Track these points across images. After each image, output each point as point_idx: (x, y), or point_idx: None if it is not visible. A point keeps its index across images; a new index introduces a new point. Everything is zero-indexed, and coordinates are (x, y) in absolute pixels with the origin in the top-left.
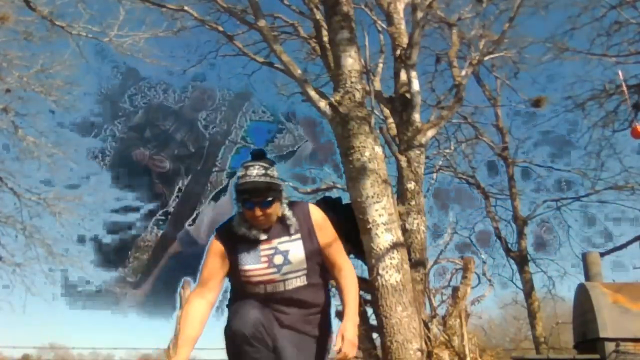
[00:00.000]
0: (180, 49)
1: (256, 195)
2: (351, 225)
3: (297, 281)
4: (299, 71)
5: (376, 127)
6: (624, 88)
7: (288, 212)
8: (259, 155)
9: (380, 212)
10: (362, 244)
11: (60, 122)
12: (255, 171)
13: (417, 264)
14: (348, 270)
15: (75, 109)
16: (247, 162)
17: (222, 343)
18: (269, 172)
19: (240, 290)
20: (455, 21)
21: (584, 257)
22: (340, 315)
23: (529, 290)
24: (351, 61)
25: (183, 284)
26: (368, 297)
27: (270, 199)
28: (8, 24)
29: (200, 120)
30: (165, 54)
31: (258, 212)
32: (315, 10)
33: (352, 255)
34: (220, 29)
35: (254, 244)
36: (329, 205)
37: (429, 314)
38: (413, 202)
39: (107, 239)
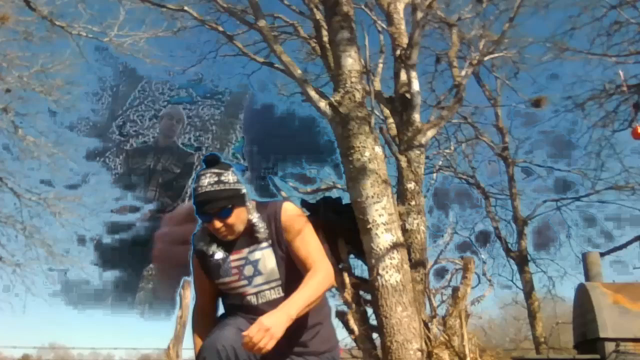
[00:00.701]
0: (181, 49)
1: (211, 207)
2: (351, 225)
3: (272, 293)
4: (299, 71)
5: (376, 127)
6: (624, 88)
7: (256, 217)
8: (211, 162)
9: (380, 212)
10: (362, 244)
11: (60, 122)
12: (207, 180)
13: (417, 264)
14: (319, 268)
15: (75, 109)
16: (200, 170)
17: None
18: (222, 178)
19: (227, 298)
20: (455, 21)
21: (584, 257)
22: (340, 315)
23: (529, 290)
24: (351, 61)
25: (183, 284)
26: (368, 297)
27: (228, 206)
28: (8, 24)
29: (178, 143)
30: (165, 54)
31: (218, 224)
32: (315, 10)
33: (352, 256)
34: (220, 29)
35: (223, 254)
36: (329, 205)
37: (429, 314)
38: (413, 202)
39: (107, 239)
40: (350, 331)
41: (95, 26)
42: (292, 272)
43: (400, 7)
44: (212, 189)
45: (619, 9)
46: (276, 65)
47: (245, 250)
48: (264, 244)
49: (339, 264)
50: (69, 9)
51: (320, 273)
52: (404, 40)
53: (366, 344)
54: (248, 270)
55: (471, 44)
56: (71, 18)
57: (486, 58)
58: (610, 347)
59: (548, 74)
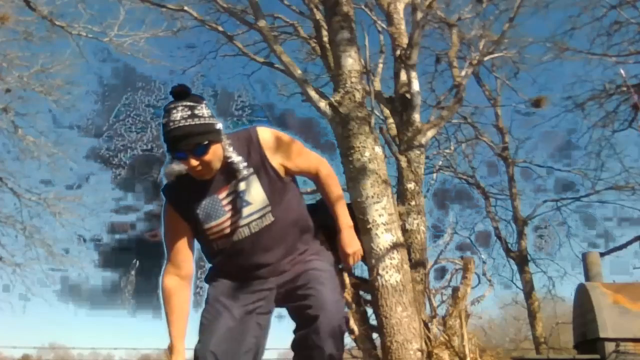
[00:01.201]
0: (181, 49)
1: (186, 143)
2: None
3: (263, 220)
4: (299, 71)
5: (376, 127)
6: (626, 87)
7: (233, 154)
8: (181, 94)
9: (380, 212)
10: (362, 244)
11: (60, 122)
12: (179, 113)
13: (417, 264)
14: (323, 169)
15: (75, 109)
16: (169, 104)
17: None
18: (196, 111)
19: (211, 252)
20: (455, 21)
21: (584, 257)
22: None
23: (529, 290)
24: (351, 61)
25: None
26: (368, 297)
27: (205, 143)
28: (8, 24)
29: None
30: (165, 54)
31: (193, 162)
32: (315, 10)
33: None
34: (220, 29)
35: (209, 196)
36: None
37: (429, 314)
38: (413, 202)
39: (107, 239)
40: (350, 331)
41: (95, 26)
42: (278, 194)
43: (400, 7)
44: (187, 123)
45: (619, 9)
46: (276, 65)
47: (229, 185)
48: (247, 173)
49: (339, 264)
50: (69, 9)
51: (329, 170)
52: (404, 40)
53: (366, 344)
54: (238, 203)
55: (471, 44)
56: (71, 18)
57: (486, 58)
58: (610, 347)
59: (548, 74)
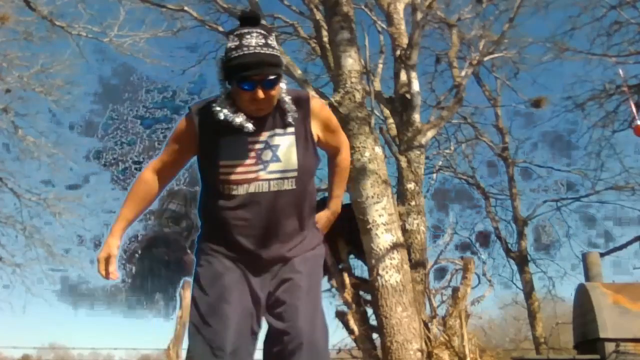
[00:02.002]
0: (181, 49)
1: (260, 72)
2: (351, 225)
3: (285, 184)
4: (300, 72)
5: (376, 127)
6: (625, 88)
7: (286, 97)
8: (254, 20)
9: (381, 212)
10: (362, 244)
11: (60, 122)
12: (254, 40)
13: (417, 264)
14: (345, 150)
15: (75, 109)
16: (239, 29)
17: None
18: (269, 41)
19: (215, 195)
20: (455, 21)
21: (584, 257)
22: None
23: (529, 290)
24: (351, 61)
25: (183, 284)
26: (368, 297)
27: (274, 77)
28: (8, 24)
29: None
30: (165, 54)
31: (260, 94)
32: (315, 10)
33: (352, 256)
34: (220, 29)
35: (239, 134)
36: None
37: (429, 315)
38: (413, 203)
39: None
40: (350, 331)
41: (95, 26)
42: (308, 164)
43: (400, 7)
44: (263, 51)
45: (619, 9)
46: None
47: (266, 134)
48: (289, 130)
49: (339, 264)
50: (69, 9)
51: (347, 159)
52: (404, 41)
53: (366, 344)
54: (266, 155)
55: (471, 44)
56: (71, 18)
57: (486, 58)
58: (610, 347)
59: (548, 74)
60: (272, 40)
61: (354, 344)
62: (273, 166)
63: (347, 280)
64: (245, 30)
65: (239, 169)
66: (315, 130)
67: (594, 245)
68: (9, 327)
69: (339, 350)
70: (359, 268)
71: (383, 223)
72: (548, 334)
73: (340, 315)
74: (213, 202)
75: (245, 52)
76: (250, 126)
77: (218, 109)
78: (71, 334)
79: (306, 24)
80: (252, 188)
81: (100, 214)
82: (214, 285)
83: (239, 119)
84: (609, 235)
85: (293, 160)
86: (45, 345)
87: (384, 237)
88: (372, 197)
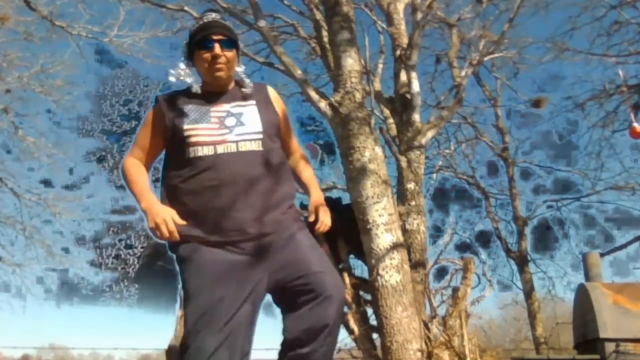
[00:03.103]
0: (180, 49)
1: (217, 31)
2: (351, 225)
3: (252, 144)
4: (300, 72)
5: (376, 127)
6: (624, 87)
7: (243, 74)
8: (213, 10)
9: (381, 212)
10: (362, 244)
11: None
12: (213, 16)
13: (417, 264)
14: (304, 155)
15: (75, 109)
16: (203, 13)
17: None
18: (227, 22)
19: (184, 162)
20: (455, 21)
21: (584, 257)
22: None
23: (529, 290)
24: (351, 61)
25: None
26: (368, 297)
27: (233, 39)
28: (8, 24)
29: None
30: (165, 54)
31: (218, 50)
32: (315, 10)
33: (352, 256)
34: None
35: (202, 105)
36: (329, 206)
37: (429, 315)
38: (413, 203)
39: (107, 239)
40: (350, 331)
41: (95, 26)
42: (272, 134)
43: (400, 7)
44: (221, 21)
45: (619, 9)
46: (276, 65)
47: (227, 105)
48: (249, 102)
49: (339, 264)
50: (69, 9)
51: (307, 159)
52: (404, 41)
53: (366, 344)
54: (230, 121)
55: (471, 44)
56: (71, 18)
57: (486, 58)
58: (610, 347)
59: (549, 75)
60: (228, 22)
61: (354, 344)
62: (238, 130)
63: (347, 280)
64: (206, 13)
65: (204, 132)
66: (277, 111)
67: (594, 245)
68: (9, 327)
69: (339, 350)
70: (359, 268)
71: (383, 223)
72: (548, 334)
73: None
74: (181, 175)
75: (205, 20)
76: (197, 87)
77: (179, 71)
78: (71, 334)
79: (306, 24)
80: (220, 149)
81: (100, 214)
82: (206, 292)
83: (190, 79)
84: (609, 235)
85: (257, 123)
86: (45, 345)
87: (384, 237)
88: (372, 197)
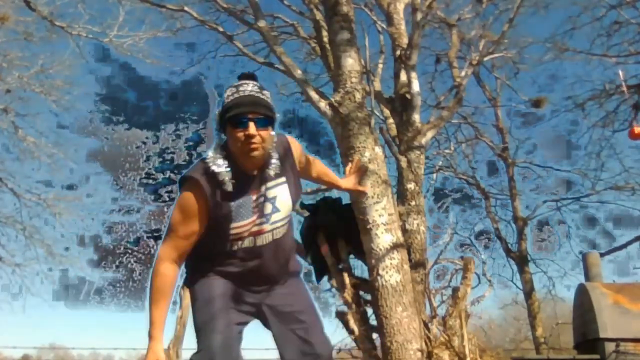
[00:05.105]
0: (180, 49)
1: (253, 109)
2: (351, 225)
3: (283, 229)
4: (300, 72)
5: (376, 127)
6: (624, 88)
7: (274, 149)
8: (250, 76)
9: (381, 212)
10: (362, 245)
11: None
12: (250, 87)
13: (417, 264)
14: (322, 166)
15: (76, 109)
16: (237, 81)
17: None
18: (264, 91)
19: (222, 252)
20: (455, 21)
21: (584, 257)
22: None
23: (529, 290)
24: (351, 62)
25: (183, 284)
26: (368, 297)
27: (269, 117)
28: (8, 24)
29: None
30: (165, 54)
31: (253, 130)
32: (315, 10)
33: (352, 256)
34: (220, 29)
35: (242, 191)
36: (329, 206)
37: (429, 315)
38: (413, 203)
39: (107, 239)
40: (350, 331)
41: (95, 26)
42: (294, 206)
43: (400, 7)
44: (257, 94)
45: (619, 9)
46: (276, 65)
47: (263, 188)
48: (280, 179)
49: (339, 264)
50: (69, 9)
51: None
52: (404, 41)
53: (366, 344)
54: (267, 208)
55: (471, 44)
56: (71, 18)
57: (486, 58)
58: (610, 347)
59: (548, 74)
60: (266, 93)
61: (354, 344)
62: (274, 217)
63: (347, 280)
64: (243, 82)
65: (245, 228)
66: (300, 167)
67: (594, 245)
68: (9, 327)
69: (339, 350)
70: (359, 268)
71: (383, 223)
72: (548, 334)
73: (340, 315)
74: (217, 255)
75: (242, 94)
76: (230, 186)
77: (216, 164)
78: (71, 334)
79: (306, 24)
80: (259, 241)
81: (100, 214)
82: (207, 310)
83: (225, 177)
84: (609, 235)
85: (289, 207)
86: (45, 345)
87: (384, 237)
88: (372, 197)
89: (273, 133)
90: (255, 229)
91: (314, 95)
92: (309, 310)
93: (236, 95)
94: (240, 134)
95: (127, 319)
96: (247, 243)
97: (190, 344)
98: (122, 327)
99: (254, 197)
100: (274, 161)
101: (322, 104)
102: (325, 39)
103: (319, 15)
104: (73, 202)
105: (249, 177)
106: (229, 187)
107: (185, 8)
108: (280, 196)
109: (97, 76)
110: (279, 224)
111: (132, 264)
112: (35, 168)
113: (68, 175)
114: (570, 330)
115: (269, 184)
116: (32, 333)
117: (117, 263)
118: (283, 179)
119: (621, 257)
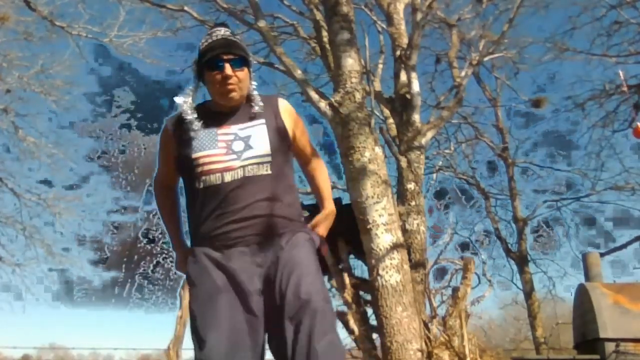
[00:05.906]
0: (181, 49)
1: (228, 50)
2: (351, 225)
3: (260, 168)
4: (300, 72)
5: (376, 127)
6: (625, 88)
7: (255, 93)
8: (221, 24)
9: (381, 212)
10: (362, 244)
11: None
12: (223, 32)
13: (417, 264)
14: (321, 164)
15: (76, 109)
16: (210, 29)
17: None
18: (237, 36)
19: (195, 192)
20: (455, 21)
21: (584, 257)
22: (340, 315)
23: (529, 290)
24: (351, 62)
25: (183, 284)
26: (368, 297)
27: (244, 57)
28: (8, 24)
29: None
30: (165, 54)
31: (229, 71)
32: (315, 10)
33: (352, 256)
34: None
35: (209, 128)
36: None
37: (429, 315)
38: (413, 203)
39: (107, 239)
40: (350, 331)
41: (95, 26)
42: (281, 154)
43: (400, 7)
44: (231, 37)
45: (619, 9)
46: (276, 65)
47: (235, 127)
48: (258, 121)
49: (339, 264)
50: (69, 9)
51: (325, 168)
52: (404, 41)
53: (366, 344)
54: (237, 146)
55: (471, 44)
56: (71, 18)
57: (486, 58)
58: (610, 347)
59: (548, 74)
60: (239, 37)
61: (354, 344)
62: (246, 154)
63: (347, 280)
64: (215, 28)
65: (211, 159)
66: (288, 125)
67: (594, 245)
68: (9, 327)
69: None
70: (359, 268)
71: (383, 223)
72: (548, 334)
73: (340, 315)
74: (194, 205)
75: (215, 37)
76: (198, 124)
77: (186, 113)
78: (71, 334)
79: (306, 24)
80: (227, 177)
81: (100, 214)
82: (206, 309)
83: (190, 116)
84: (609, 235)
85: (266, 146)
86: (45, 345)
87: (384, 237)
88: (372, 197)
89: (254, 83)
90: (222, 165)
91: (314, 95)
92: (306, 263)
93: (210, 40)
94: (218, 76)
95: (127, 319)
96: (214, 179)
97: (190, 344)
98: (122, 327)
99: (221, 131)
100: (255, 102)
101: (322, 104)
102: (325, 39)
103: (319, 16)
104: (73, 202)
105: (218, 113)
106: (188, 115)
107: (185, 8)
108: (256, 135)
109: (97, 76)
110: (252, 161)
111: (168, 264)
112: (35, 168)
113: (68, 175)
114: (570, 330)
115: (242, 125)
116: (32, 333)
117: (154, 263)
118: (262, 120)
119: (621, 257)
